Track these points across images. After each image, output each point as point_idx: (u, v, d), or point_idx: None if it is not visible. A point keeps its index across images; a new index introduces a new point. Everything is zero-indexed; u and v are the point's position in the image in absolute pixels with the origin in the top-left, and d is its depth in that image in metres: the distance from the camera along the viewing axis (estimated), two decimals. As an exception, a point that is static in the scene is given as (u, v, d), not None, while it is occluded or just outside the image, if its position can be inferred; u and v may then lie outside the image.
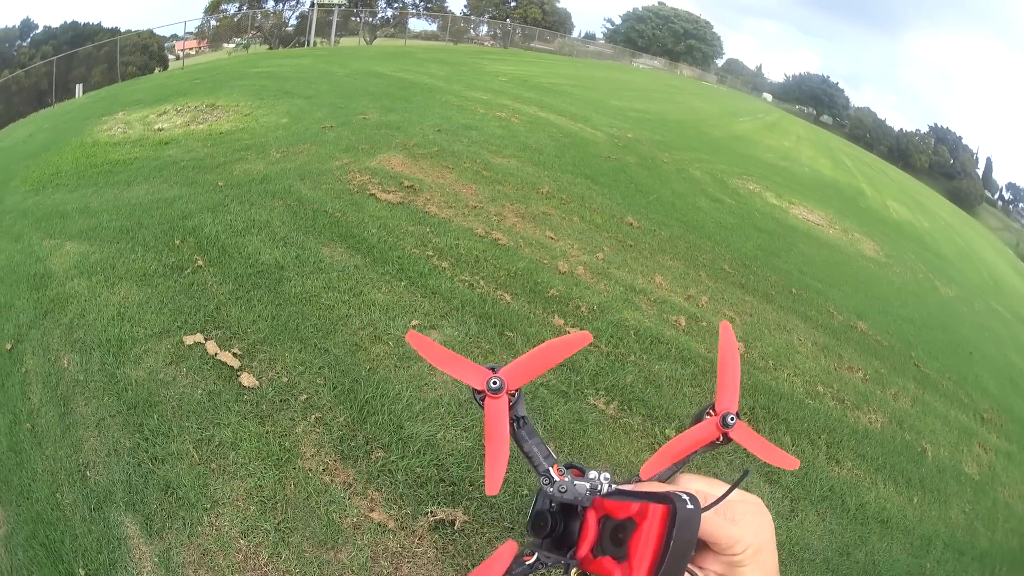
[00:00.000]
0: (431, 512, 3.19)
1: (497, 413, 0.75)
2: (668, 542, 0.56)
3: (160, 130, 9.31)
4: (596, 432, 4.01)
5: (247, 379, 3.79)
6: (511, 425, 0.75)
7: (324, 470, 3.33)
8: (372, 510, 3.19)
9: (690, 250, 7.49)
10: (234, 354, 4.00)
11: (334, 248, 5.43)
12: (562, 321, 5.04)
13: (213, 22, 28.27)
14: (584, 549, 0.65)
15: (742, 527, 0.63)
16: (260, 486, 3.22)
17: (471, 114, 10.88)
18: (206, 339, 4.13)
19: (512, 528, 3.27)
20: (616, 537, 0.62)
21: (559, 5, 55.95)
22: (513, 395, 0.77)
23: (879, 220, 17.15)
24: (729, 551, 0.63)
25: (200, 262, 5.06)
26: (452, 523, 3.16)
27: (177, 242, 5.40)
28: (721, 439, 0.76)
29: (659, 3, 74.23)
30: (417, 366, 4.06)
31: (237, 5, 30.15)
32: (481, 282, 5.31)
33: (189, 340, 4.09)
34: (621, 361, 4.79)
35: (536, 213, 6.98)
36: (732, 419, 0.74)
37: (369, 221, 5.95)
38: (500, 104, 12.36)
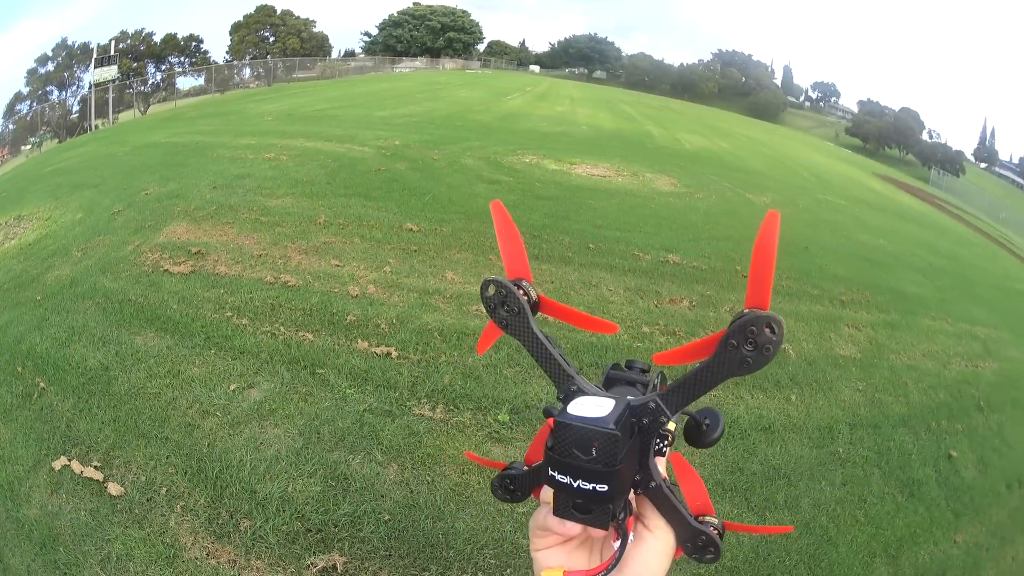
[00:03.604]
0: (312, 564, 3.69)
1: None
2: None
3: (-19, 254, 9.82)
4: (431, 439, 4.61)
5: (114, 488, 4.23)
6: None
7: (208, 555, 3.81)
8: (262, 578, 3.64)
9: (476, 238, 8.33)
10: (95, 467, 4.43)
11: (145, 335, 5.99)
12: (366, 344, 5.66)
13: (10, 126, 31.70)
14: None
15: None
16: (165, 588, 3.67)
17: (242, 163, 11.81)
18: (69, 460, 4.54)
19: (389, 556, 3.75)
20: None
21: (316, 30, 63.61)
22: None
23: (672, 155, 19.86)
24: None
25: (42, 384, 5.54)
26: (334, 567, 3.70)
27: (20, 369, 5.85)
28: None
29: (414, 4, 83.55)
30: (249, 429, 4.63)
31: (28, 103, 34.17)
32: (282, 329, 5.93)
33: (57, 465, 4.50)
34: (434, 364, 5.48)
35: (318, 245, 7.76)
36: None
37: (169, 298, 6.57)
38: (268, 145, 13.46)
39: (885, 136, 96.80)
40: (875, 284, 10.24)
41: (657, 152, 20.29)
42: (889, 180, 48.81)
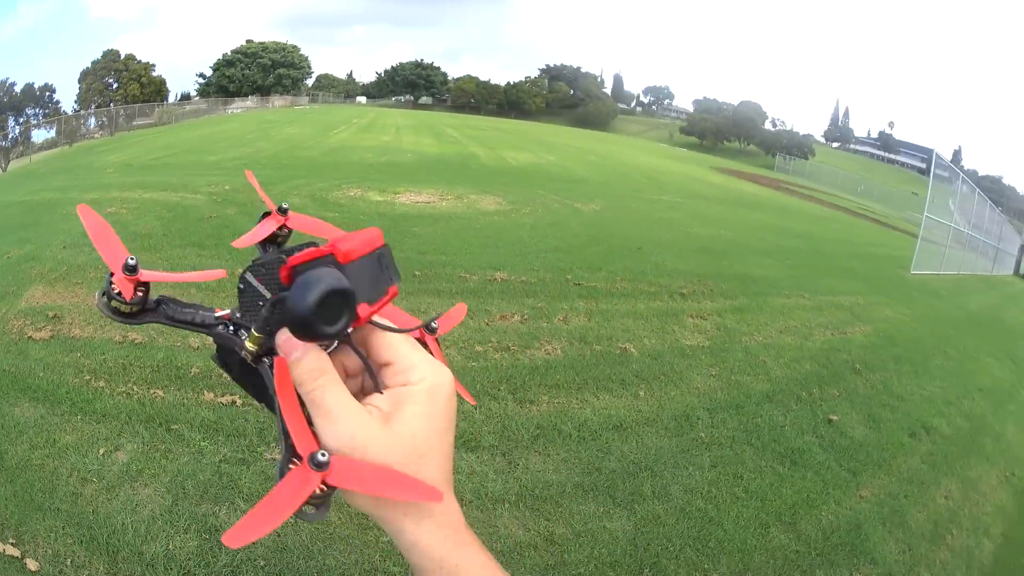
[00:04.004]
0: (206, 618, 3.77)
1: None
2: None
3: None
4: None
5: (31, 564, 4.20)
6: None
7: (120, 619, 3.83)
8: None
9: None
10: (12, 544, 4.37)
11: (21, 406, 5.92)
12: (212, 395, 5.78)
13: None
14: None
15: (424, 359, 0.76)
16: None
17: (88, 219, 11.60)
18: (-7, 539, 4.54)
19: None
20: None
21: (155, 74, 67.73)
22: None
23: (497, 174, 21.31)
24: (404, 375, 0.74)
25: (-49, 461, 5.52)
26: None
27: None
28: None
29: (247, 42, 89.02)
30: (123, 492, 4.66)
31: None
32: (135, 388, 5.99)
33: (-14, 545, 4.48)
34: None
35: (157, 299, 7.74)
36: None
37: (35, 366, 6.51)
38: (110, 199, 13.46)
39: (723, 131, 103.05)
40: (717, 273, 10.88)
41: (482, 172, 21.59)
42: (730, 172, 51.71)
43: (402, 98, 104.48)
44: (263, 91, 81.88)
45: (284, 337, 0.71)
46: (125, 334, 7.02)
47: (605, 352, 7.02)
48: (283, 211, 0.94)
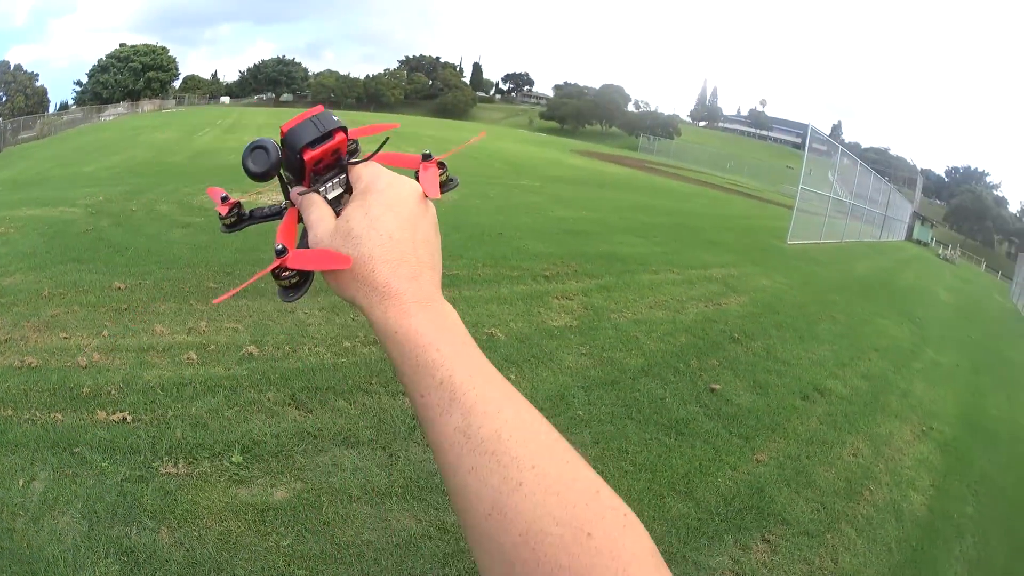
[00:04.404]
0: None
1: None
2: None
3: None
4: (184, 495, 4.67)
5: None
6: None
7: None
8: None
9: (176, 286, 8.44)
10: None
11: None
12: (104, 414, 5.66)
13: None
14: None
15: (367, 170, 0.94)
16: None
17: (-20, 243, 11.45)
18: (-48, 585, 4.39)
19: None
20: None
21: (39, 84, 68.16)
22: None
23: None
24: (356, 187, 0.93)
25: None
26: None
27: None
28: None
29: (120, 45, 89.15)
30: (47, 522, 4.54)
31: None
32: (38, 414, 5.83)
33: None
34: (164, 420, 5.55)
35: (47, 319, 7.66)
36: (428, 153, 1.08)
37: None
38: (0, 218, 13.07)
39: (584, 114, 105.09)
40: (581, 254, 11.13)
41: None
42: (592, 155, 52.63)
43: (264, 96, 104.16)
44: (133, 96, 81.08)
45: (294, 188, 0.96)
46: (23, 359, 6.85)
47: (473, 337, 7.13)
48: (344, 129, 1.05)
